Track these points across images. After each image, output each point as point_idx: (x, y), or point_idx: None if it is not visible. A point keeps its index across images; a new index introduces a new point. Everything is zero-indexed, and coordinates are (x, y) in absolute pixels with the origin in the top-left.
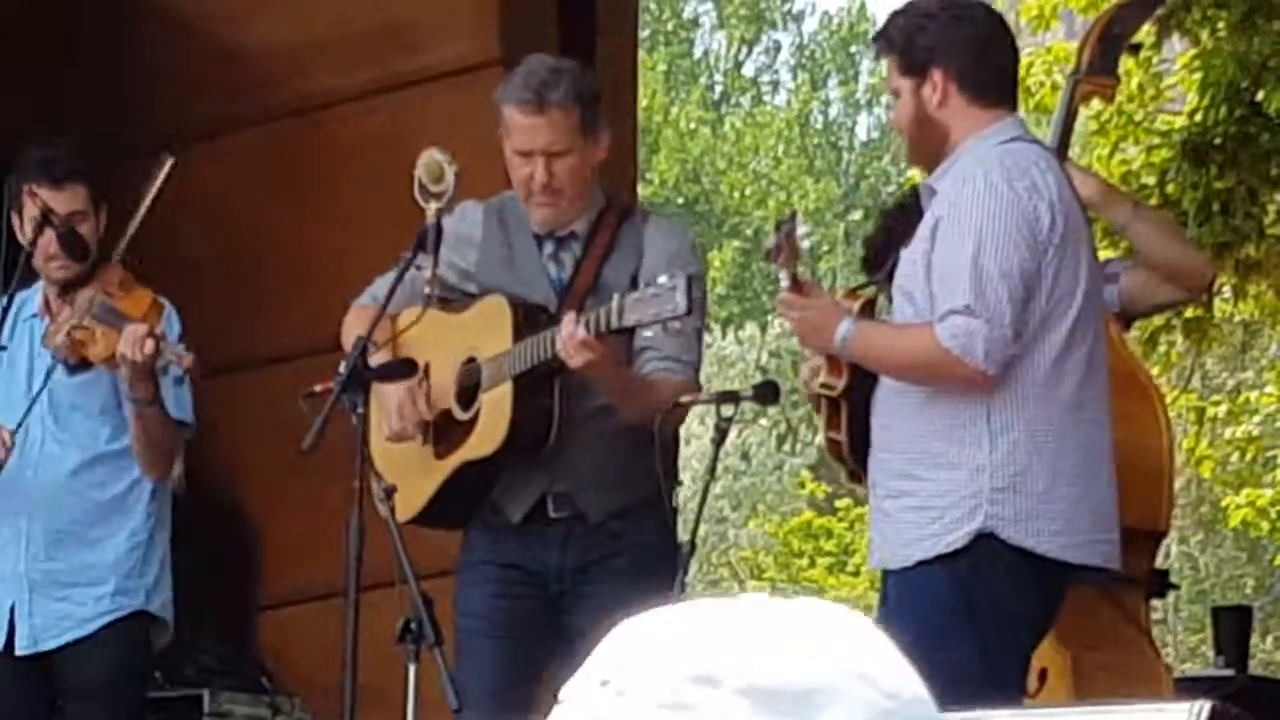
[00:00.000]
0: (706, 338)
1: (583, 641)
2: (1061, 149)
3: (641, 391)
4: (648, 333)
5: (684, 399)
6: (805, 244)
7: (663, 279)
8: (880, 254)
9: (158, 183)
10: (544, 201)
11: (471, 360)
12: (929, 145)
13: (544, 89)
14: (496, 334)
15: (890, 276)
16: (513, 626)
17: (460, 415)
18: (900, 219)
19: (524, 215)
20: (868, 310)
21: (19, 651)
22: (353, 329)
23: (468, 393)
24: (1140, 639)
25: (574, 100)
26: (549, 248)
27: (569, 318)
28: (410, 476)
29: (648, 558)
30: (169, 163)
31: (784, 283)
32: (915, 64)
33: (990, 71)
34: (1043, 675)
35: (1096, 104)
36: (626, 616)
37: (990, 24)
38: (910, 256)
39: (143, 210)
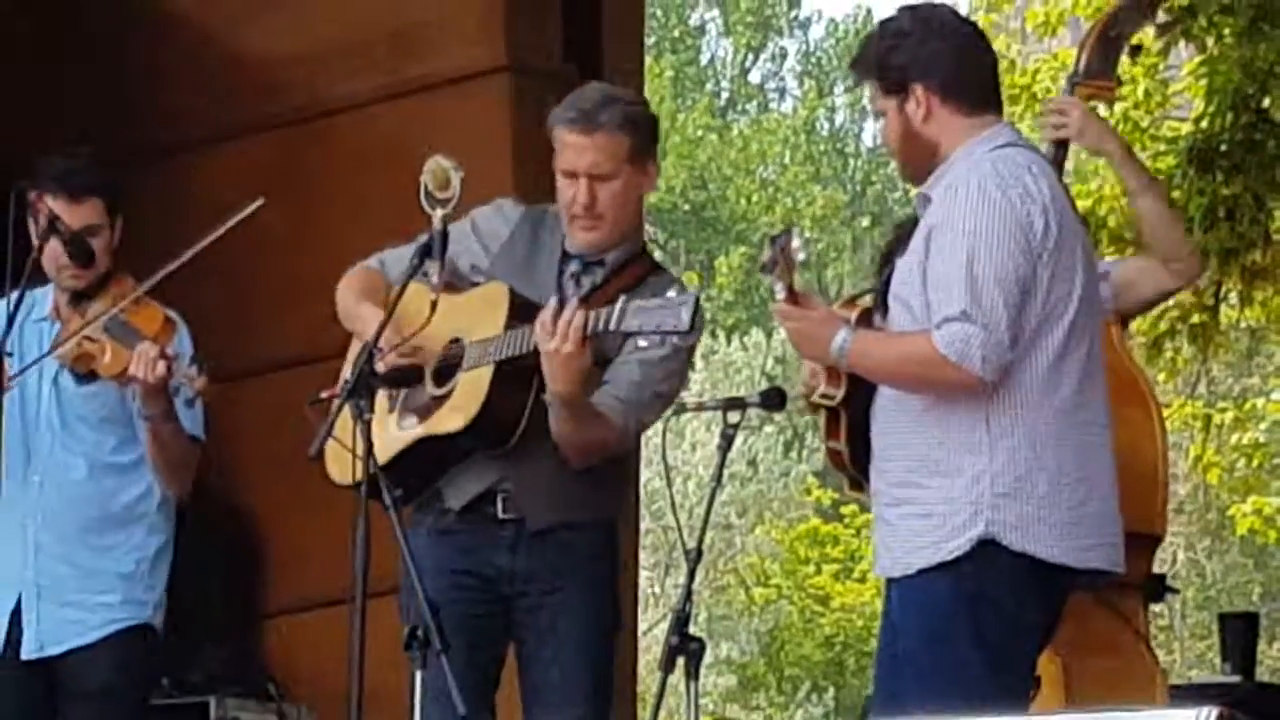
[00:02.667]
0: (713, 344)
1: (541, 656)
2: (1060, 153)
3: (585, 418)
4: (626, 359)
5: (689, 404)
6: (801, 256)
7: (671, 293)
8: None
9: (235, 220)
10: (585, 225)
11: (457, 340)
12: (920, 160)
13: (594, 111)
14: (490, 319)
15: (887, 285)
16: (463, 632)
17: (433, 390)
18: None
19: (561, 233)
20: (865, 319)
21: (25, 656)
22: (351, 292)
23: (445, 370)
24: (1137, 644)
25: (623, 126)
26: (573, 266)
27: (571, 304)
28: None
29: (596, 576)
30: (258, 204)
31: (780, 294)
32: (895, 83)
33: (970, 79)
34: (1036, 682)
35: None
36: (580, 633)
37: (963, 32)
38: (906, 265)
39: (206, 241)
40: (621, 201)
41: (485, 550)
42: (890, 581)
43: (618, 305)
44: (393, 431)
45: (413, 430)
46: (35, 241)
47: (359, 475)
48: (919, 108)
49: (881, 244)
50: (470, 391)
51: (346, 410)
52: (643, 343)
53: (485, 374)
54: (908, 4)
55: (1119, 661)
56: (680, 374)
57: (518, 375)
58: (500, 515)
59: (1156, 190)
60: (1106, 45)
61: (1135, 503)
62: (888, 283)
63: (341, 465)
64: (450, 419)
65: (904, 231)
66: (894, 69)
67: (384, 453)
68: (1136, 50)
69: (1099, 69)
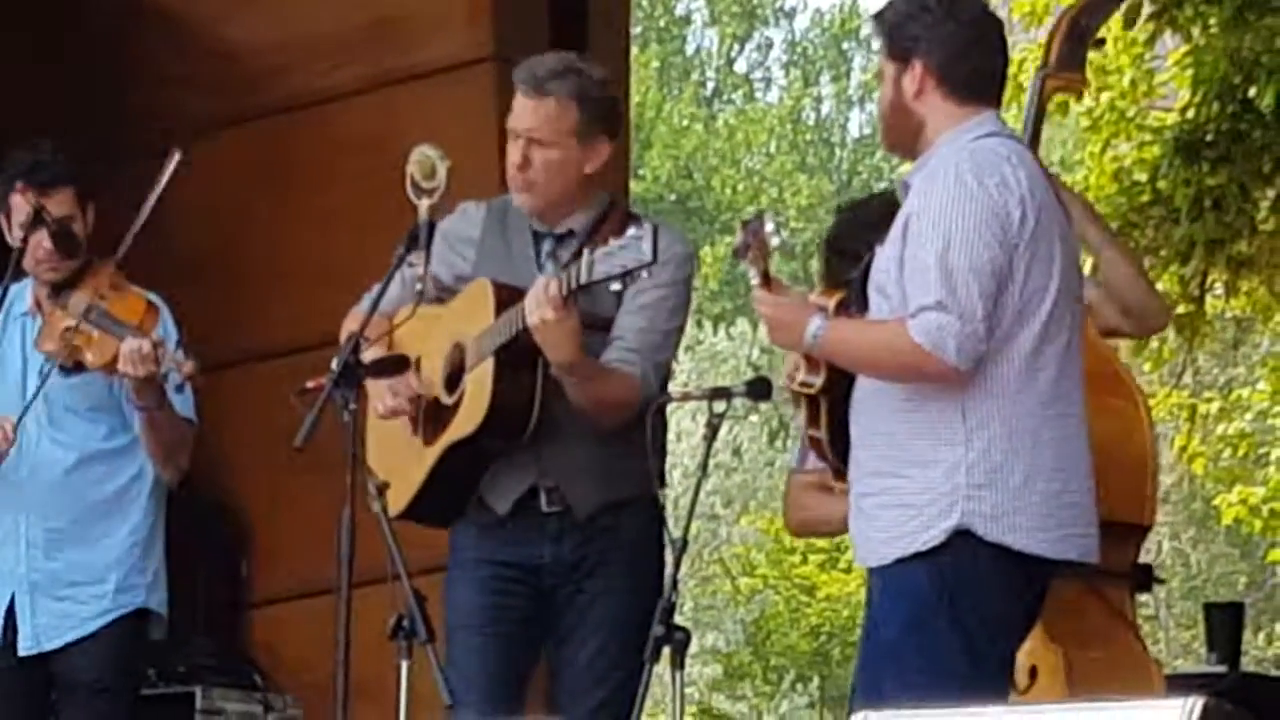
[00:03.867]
0: (699, 334)
1: (575, 636)
2: (1032, 146)
3: (594, 376)
4: (627, 310)
5: (675, 394)
6: (775, 241)
7: (631, 231)
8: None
9: (165, 178)
10: (517, 187)
11: (458, 345)
12: (903, 131)
13: (546, 78)
14: (480, 314)
15: (864, 276)
16: (501, 623)
17: (446, 400)
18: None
19: (526, 216)
20: (843, 308)
21: (22, 652)
22: (349, 329)
23: (454, 377)
24: (1128, 634)
25: (573, 98)
26: (547, 245)
27: (543, 276)
28: (401, 469)
29: (640, 553)
30: (177, 157)
31: (755, 280)
32: (899, 51)
33: (972, 71)
34: (1033, 672)
35: (1089, 100)
36: (615, 613)
37: (983, 25)
38: (885, 254)
39: (148, 206)
40: (556, 172)
41: (530, 543)
42: (872, 571)
43: (584, 258)
44: (421, 452)
45: (437, 444)
46: (14, 236)
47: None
48: (914, 82)
49: (830, 230)
50: (478, 389)
51: (374, 446)
52: (615, 286)
53: (488, 367)
54: None
55: (1114, 653)
56: (684, 307)
57: (519, 360)
58: (545, 509)
59: (1120, 244)
60: (1075, 38)
61: (1124, 492)
62: (865, 274)
63: (392, 498)
64: (467, 421)
65: (849, 220)
66: (903, 38)
67: (417, 474)
68: (1100, 42)
69: (1069, 61)
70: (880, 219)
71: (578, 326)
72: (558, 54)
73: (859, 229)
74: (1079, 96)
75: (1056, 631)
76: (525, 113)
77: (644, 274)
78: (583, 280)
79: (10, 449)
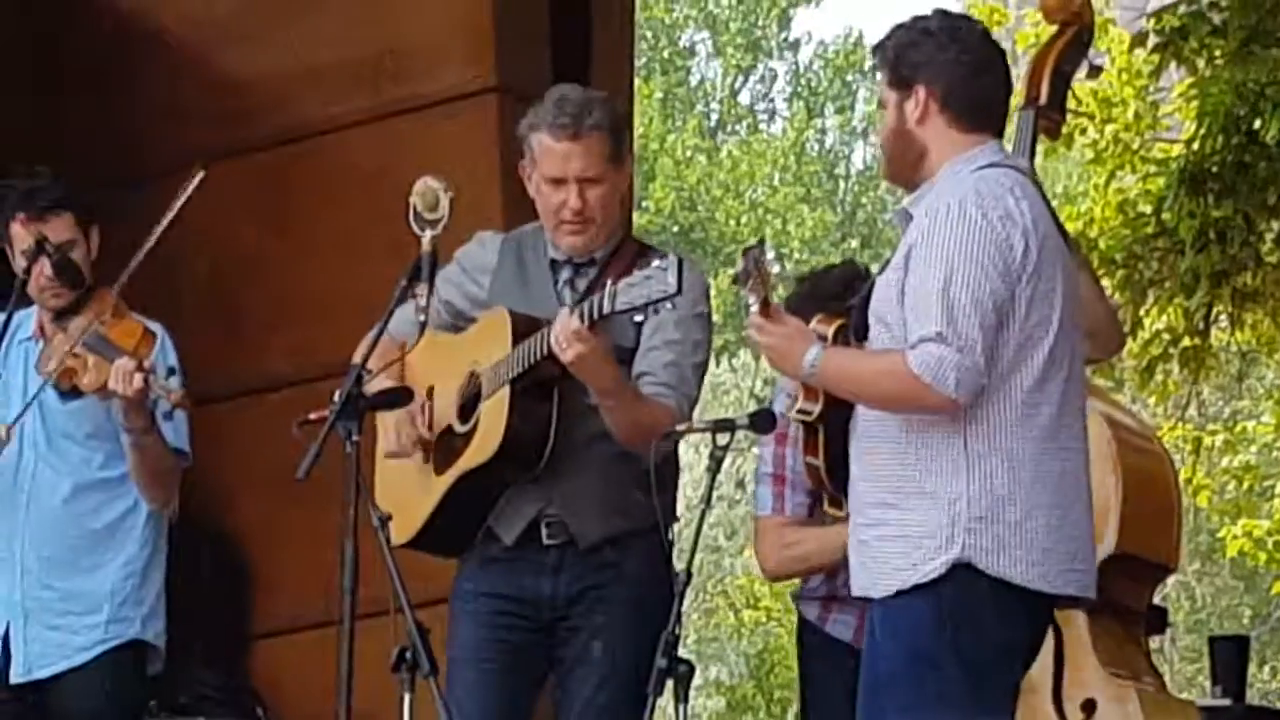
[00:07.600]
0: None
1: (576, 673)
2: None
3: (632, 400)
4: (651, 344)
5: (679, 427)
6: (775, 269)
7: (656, 262)
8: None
9: (186, 195)
10: (574, 230)
11: (473, 374)
12: (905, 160)
13: (581, 115)
14: (497, 343)
15: (864, 306)
16: (499, 657)
17: (459, 429)
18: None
19: (543, 245)
20: (842, 335)
21: (14, 680)
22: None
23: (468, 406)
24: (1154, 672)
25: (607, 128)
26: (566, 273)
27: (564, 311)
28: (410, 497)
29: (642, 589)
30: (200, 176)
31: (754, 308)
32: (902, 78)
33: (976, 98)
34: (1089, 706)
35: (1093, 132)
36: (618, 647)
37: (986, 51)
38: (885, 282)
39: (166, 221)
40: (609, 203)
41: (530, 576)
42: (872, 603)
43: (606, 288)
44: (432, 481)
45: (449, 473)
46: (18, 265)
47: (415, 531)
48: (917, 108)
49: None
50: (493, 418)
51: (384, 474)
52: (638, 317)
53: (504, 396)
54: (943, 9)
55: (1159, 685)
56: (707, 342)
57: (536, 390)
58: (546, 541)
59: (1086, 268)
60: (1059, 79)
61: (1157, 531)
62: (865, 301)
63: (400, 527)
64: (481, 450)
65: (806, 293)
66: (906, 64)
67: (427, 503)
68: (1097, 71)
69: (1057, 102)
70: (837, 293)
71: (610, 348)
72: (569, 89)
73: (815, 301)
74: (1055, 138)
75: (1118, 666)
76: (573, 157)
77: (668, 305)
78: (605, 310)
79: (9, 440)
